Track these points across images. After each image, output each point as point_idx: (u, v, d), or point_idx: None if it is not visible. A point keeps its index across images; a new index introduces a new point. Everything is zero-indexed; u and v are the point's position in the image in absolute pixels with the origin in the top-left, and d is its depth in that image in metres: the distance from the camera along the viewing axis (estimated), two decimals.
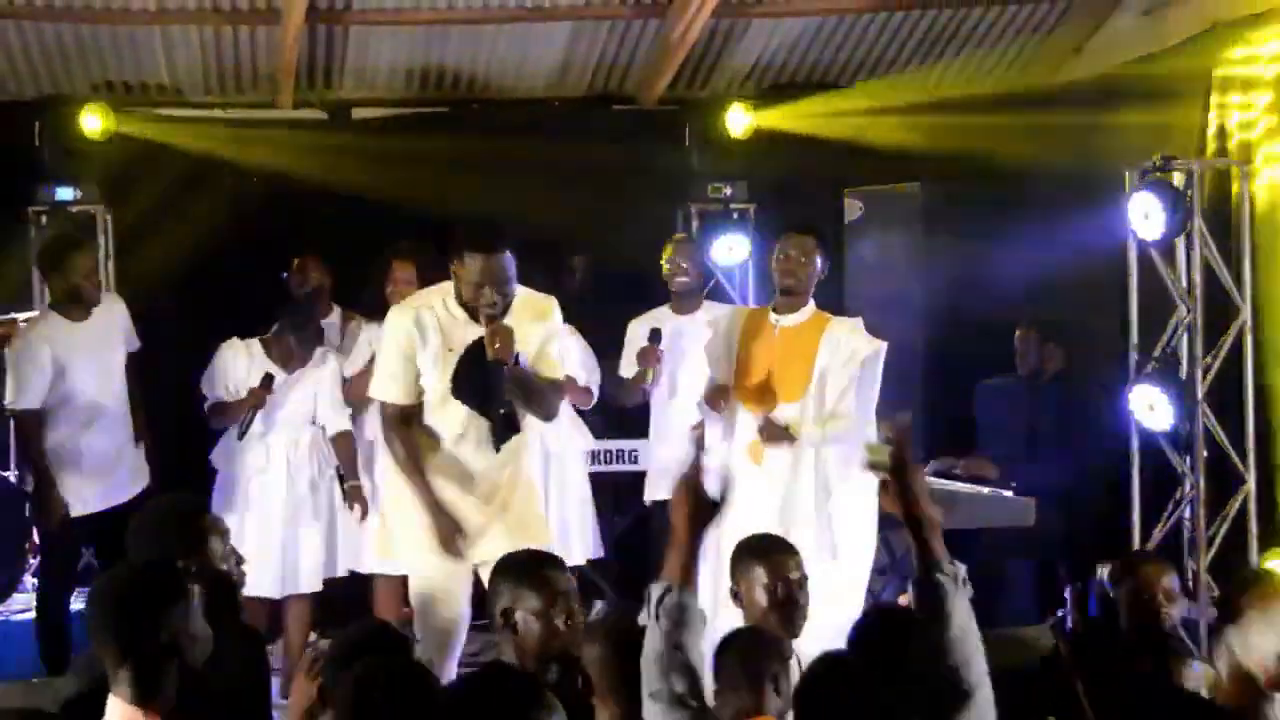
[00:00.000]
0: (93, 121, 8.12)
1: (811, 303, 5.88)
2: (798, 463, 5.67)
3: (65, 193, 8.06)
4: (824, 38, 8.79)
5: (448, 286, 5.18)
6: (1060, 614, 7.20)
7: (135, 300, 7.04)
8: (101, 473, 6.58)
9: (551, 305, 5.31)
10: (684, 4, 8.17)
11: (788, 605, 4.29)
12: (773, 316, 5.88)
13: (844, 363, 5.72)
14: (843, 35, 8.78)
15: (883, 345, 5.81)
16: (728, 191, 8.86)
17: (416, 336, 5.14)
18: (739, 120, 8.74)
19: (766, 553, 4.39)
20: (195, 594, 3.17)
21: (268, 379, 6.67)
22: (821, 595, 4.48)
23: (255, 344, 6.77)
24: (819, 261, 5.84)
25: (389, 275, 6.80)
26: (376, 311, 6.79)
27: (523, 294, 5.20)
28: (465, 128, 8.90)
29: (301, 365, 6.78)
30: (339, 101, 8.96)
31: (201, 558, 3.93)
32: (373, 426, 6.73)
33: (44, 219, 8.03)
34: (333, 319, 7.26)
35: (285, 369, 6.75)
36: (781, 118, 8.93)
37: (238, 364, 6.74)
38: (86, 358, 6.55)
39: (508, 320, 5.09)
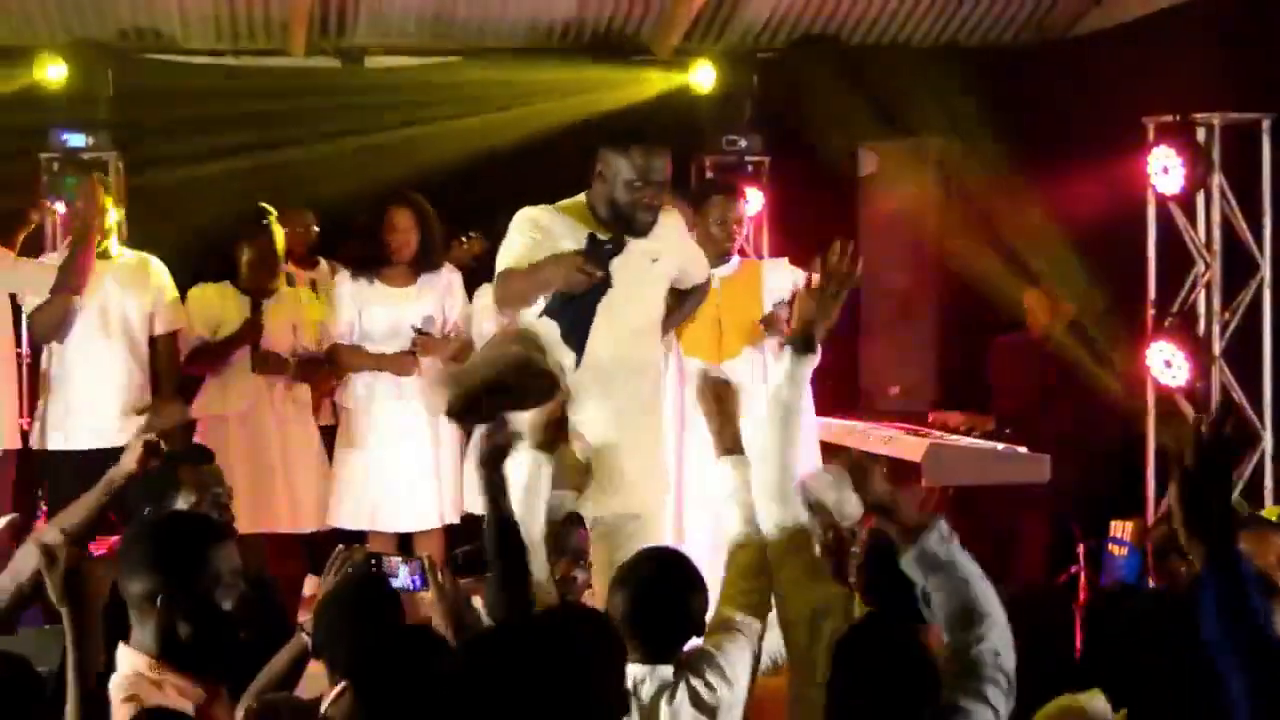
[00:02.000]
0: (103, 68, 8.07)
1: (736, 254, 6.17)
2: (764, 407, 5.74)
3: (77, 139, 8.01)
4: None
5: (579, 200, 4.87)
6: (1074, 571, 7.20)
7: (145, 247, 7.00)
8: (88, 409, 6.56)
9: (678, 217, 5.07)
10: None
11: (839, 553, 4.35)
12: None
13: (788, 296, 5.90)
14: None
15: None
16: (742, 144, 8.79)
17: (548, 229, 4.78)
18: (752, 72, 8.68)
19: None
20: (232, 546, 3.14)
21: (255, 308, 6.57)
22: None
23: (224, 284, 6.70)
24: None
25: (387, 224, 6.65)
26: (373, 262, 6.67)
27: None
28: (479, 76, 8.85)
29: (272, 280, 6.66)
30: (353, 49, 8.90)
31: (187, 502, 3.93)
32: (352, 395, 6.65)
33: (56, 165, 7.99)
34: (321, 271, 7.19)
35: (260, 294, 6.63)
36: (797, 69, 8.86)
37: (211, 303, 6.68)
38: (91, 293, 6.53)
39: (658, 234, 4.82)
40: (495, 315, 5.87)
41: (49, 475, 6.84)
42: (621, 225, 4.78)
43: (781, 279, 6.11)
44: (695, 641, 3.59)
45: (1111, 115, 7.63)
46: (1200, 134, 6.84)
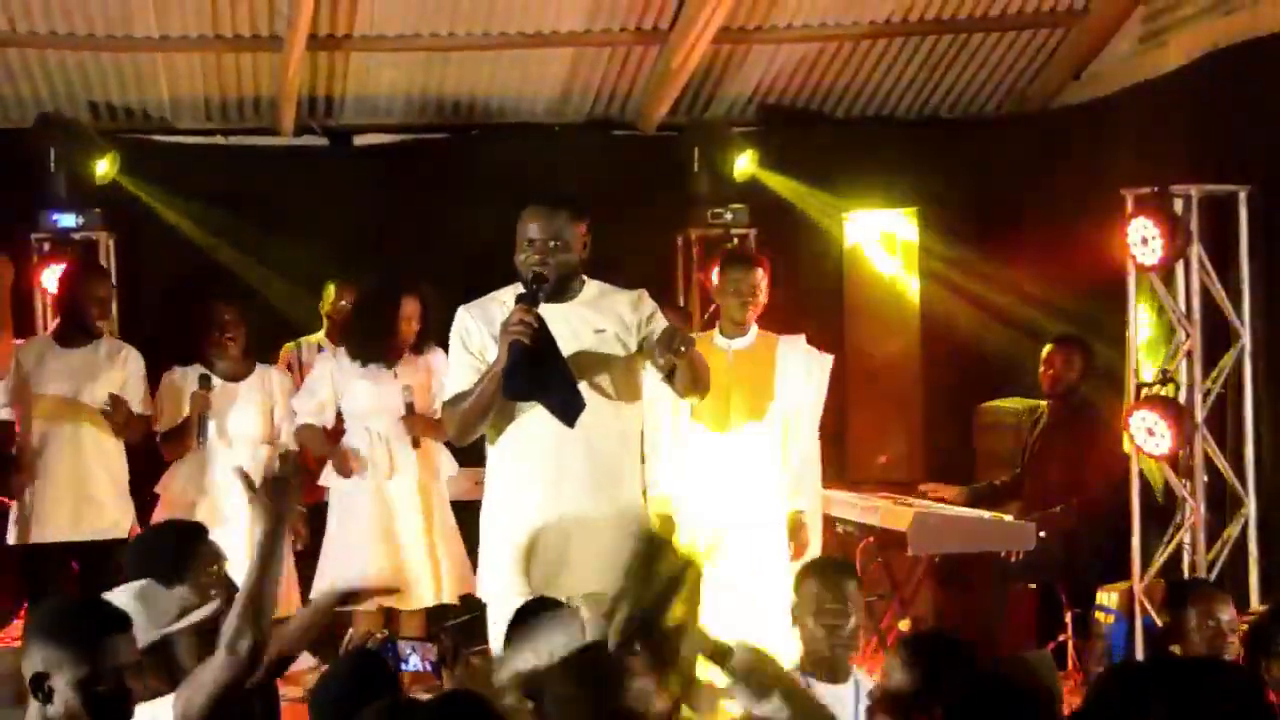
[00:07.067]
0: (97, 149, 8.12)
1: (754, 324, 6.16)
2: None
3: (68, 220, 8.05)
4: (824, 63, 8.83)
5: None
6: (1061, 640, 7.21)
7: (138, 328, 7.05)
8: (72, 501, 6.55)
9: (639, 295, 4.91)
10: (685, 30, 8.22)
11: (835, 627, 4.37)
12: (721, 340, 6.07)
13: (802, 379, 6.00)
14: (843, 61, 8.81)
15: (829, 358, 6.14)
16: (728, 217, 8.86)
17: (478, 329, 4.76)
18: (739, 148, 8.75)
19: (822, 574, 4.53)
20: (132, 638, 3.10)
21: (204, 379, 6.66)
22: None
23: (195, 367, 6.76)
24: (766, 289, 6.08)
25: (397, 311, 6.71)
26: (376, 346, 6.69)
27: (608, 289, 4.87)
28: (466, 154, 8.94)
29: (240, 366, 6.76)
30: (340, 129, 8.99)
31: (194, 584, 3.94)
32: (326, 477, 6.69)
33: (47, 246, 8.03)
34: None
35: (225, 377, 6.73)
36: (781, 143, 8.96)
37: (180, 388, 6.72)
38: (62, 381, 6.56)
39: (603, 305, 4.77)
40: None
41: (29, 568, 6.83)
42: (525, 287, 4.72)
43: (796, 359, 6.07)
44: None
45: (1091, 187, 7.72)
46: (1178, 205, 6.92)
